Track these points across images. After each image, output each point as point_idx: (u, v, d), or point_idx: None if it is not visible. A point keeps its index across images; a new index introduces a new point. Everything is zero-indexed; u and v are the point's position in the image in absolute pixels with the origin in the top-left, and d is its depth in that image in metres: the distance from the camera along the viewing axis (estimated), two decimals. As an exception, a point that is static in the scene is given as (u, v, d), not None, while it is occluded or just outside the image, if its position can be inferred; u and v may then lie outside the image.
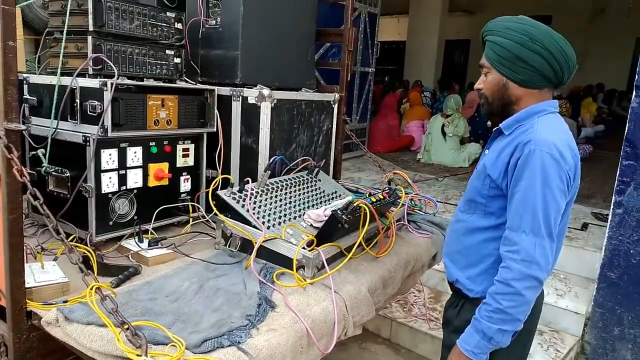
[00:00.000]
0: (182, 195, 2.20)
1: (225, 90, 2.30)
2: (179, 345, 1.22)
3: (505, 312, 1.38)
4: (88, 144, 1.79)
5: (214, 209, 1.90)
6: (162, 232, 2.06)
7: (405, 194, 2.42)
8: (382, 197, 2.01)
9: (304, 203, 2.14)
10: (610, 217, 3.04)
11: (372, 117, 7.91)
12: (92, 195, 1.82)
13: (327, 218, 1.83)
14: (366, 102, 7.38)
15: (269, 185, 2.10)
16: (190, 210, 2.21)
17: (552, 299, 3.28)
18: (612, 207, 3.02)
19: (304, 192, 2.23)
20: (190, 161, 2.21)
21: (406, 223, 2.37)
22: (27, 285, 1.43)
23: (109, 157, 1.86)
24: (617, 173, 2.97)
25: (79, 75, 1.86)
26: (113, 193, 1.90)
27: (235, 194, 1.94)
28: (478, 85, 1.58)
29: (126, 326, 1.24)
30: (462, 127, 6.81)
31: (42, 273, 1.54)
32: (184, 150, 2.17)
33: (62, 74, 1.90)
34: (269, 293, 1.56)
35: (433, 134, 6.93)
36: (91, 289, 1.35)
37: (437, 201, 2.69)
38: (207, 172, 2.30)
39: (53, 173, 1.91)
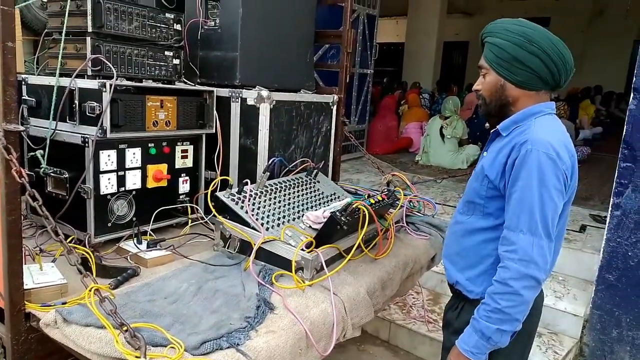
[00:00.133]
0: (181, 197, 2.20)
1: (224, 92, 2.30)
2: (177, 347, 1.22)
3: (504, 312, 1.39)
4: (87, 145, 1.78)
5: (213, 210, 1.90)
6: (161, 234, 2.06)
7: (404, 195, 2.42)
8: (380, 198, 2.01)
9: (302, 204, 2.14)
10: (608, 219, 3.05)
11: (371, 118, 7.91)
12: (91, 197, 1.81)
13: (326, 220, 1.83)
14: (365, 103, 7.39)
15: (267, 187, 2.10)
16: (189, 212, 2.21)
17: (551, 301, 3.28)
18: (610, 209, 3.03)
19: (303, 194, 2.23)
20: (189, 162, 2.20)
21: (405, 225, 2.37)
22: (25, 287, 1.43)
23: (107, 158, 1.86)
24: (615, 175, 2.98)
25: (77, 76, 1.86)
26: (112, 194, 1.90)
27: (234, 196, 1.94)
28: (476, 87, 1.59)
29: (125, 328, 1.24)
30: (460, 128, 6.82)
31: (40, 274, 1.54)
32: (182, 151, 2.16)
33: (61, 75, 1.90)
34: (268, 295, 1.56)
35: (431, 136, 6.94)
36: (90, 290, 1.34)
37: (436, 203, 2.70)
38: (206, 173, 2.30)
39: (52, 174, 1.91)
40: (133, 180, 1.97)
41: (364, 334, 3.37)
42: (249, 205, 1.91)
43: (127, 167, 1.94)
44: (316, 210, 2.06)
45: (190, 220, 2.19)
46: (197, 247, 1.99)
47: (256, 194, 2.01)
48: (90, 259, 1.64)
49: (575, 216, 4.44)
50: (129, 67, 2.02)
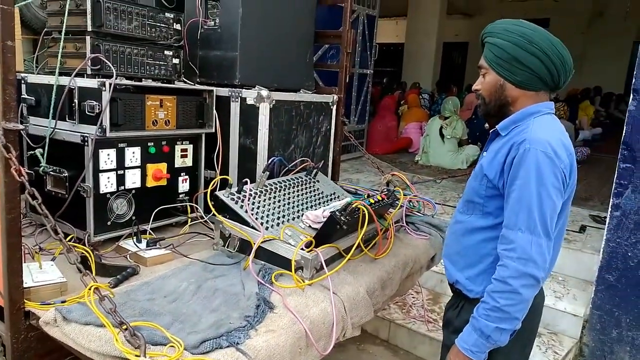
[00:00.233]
0: (181, 196, 2.20)
1: (223, 91, 2.30)
2: (177, 346, 1.22)
3: (503, 311, 1.39)
4: (86, 144, 1.78)
5: (213, 209, 1.90)
6: (161, 233, 2.06)
7: (404, 195, 2.42)
8: (380, 198, 2.01)
9: (302, 204, 2.14)
10: (608, 220, 3.05)
11: (371, 118, 7.92)
12: (90, 195, 1.81)
13: (325, 219, 1.83)
14: (364, 103, 7.39)
15: (267, 186, 2.10)
16: (189, 211, 2.21)
17: (551, 301, 3.28)
18: (609, 209, 3.03)
19: (303, 193, 2.23)
20: (188, 162, 2.20)
21: (404, 224, 2.37)
22: (25, 285, 1.43)
23: (107, 157, 1.86)
24: (615, 176, 2.98)
25: (77, 75, 1.86)
26: (111, 193, 1.90)
27: (234, 195, 1.94)
28: (476, 86, 1.59)
29: (124, 326, 1.24)
30: (460, 129, 6.82)
31: (40, 273, 1.54)
32: (182, 150, 2.16)
33: (61, 74, 1.90)
34: (268, 294, 1.56)
35: (431, 136, 6.94)
36: (89, 289, 1.34)
37: (436, 203, 2.70)
38: (206, 172, 2.30)
39: (51, 173, 1.91)
40: (132, 179, 1.97)
41: (363, 333, 3.37)
42: (248, 204, 1.91)
43: (126, 166, 1.94)
44: (316, 209, 2.06)
45: (189, 219, 2.19)
46: (196, 246, 1.99)
47: (256, 193, 2.01)
48: (89, 258, 1.64)
49: (575, 217, 4.44)
50: (129, 66, 2.02)
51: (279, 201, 2.06)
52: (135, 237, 1.88)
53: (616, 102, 12.04)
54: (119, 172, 1.91)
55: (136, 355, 1.18)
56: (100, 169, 1.84)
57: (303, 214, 2.04)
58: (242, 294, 1.57)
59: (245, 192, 1.96)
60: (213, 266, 1.76)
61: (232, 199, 1.91)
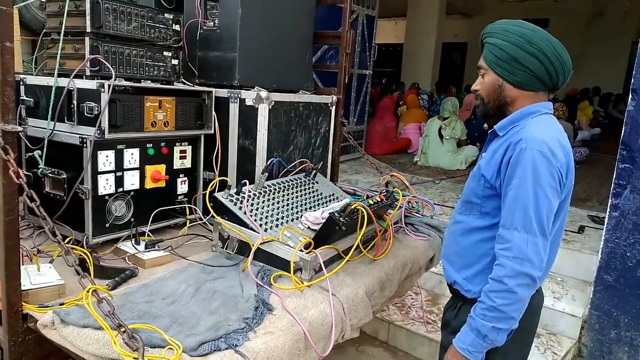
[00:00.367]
0: (179, 197, 2.20)
1: (222, 92, 2.30)
2: (176, 348, 1.22)
3: (499, 310, 1.39)
4: (85, 145, 1.78)
5: (211, 211, 1.90)
6: (159, 234, 2.05)
7: (403, 196, 2.42)
8: (379, 199, 2.01)
9: (301, 205, 2.14)
10: (606, 220, 3.05)
11: (370, 119, 7.92)
12: (89, 197, 1.81)
13: (324, 220, 1.83)
14: (363, 104, 7.39)
15: (266, 188, 2.10)
16: (188, 213, 2.20)
17: (549, 302, 3.28)
18: (608, 210, 3.03)
19: (302, 195, 2.23)
20: (187, 163, 2.20)
21: (403, 225, 2.37)
22: (23, 288, 1.42)
23: (105, 159, 1.85)
24: (614, 176, 2.98)
25: (76, 76, 1.86)
26: (110, 195, 1.90)
27: (233, 196, 1.93)
28: (475, 87, 1.60)
29: (123, 329, 1.23)
30: (459, 129, 6.83)
31: (38, 275, 1.53)
32: (181, 152, 2.16)
33: (59, 75, 1.89)
34: (266, 296, 1.56)
35: (430, 137, 6.95)
36: (88, 291, 1.34)
37: (435, 204, 2.70)
38: (205, 174, 2.30)
39: (49, 175, 1.90)
40: (131, 181, 1.97)
41: (362, 334, 3.37)
42: (247, 206, 1.91)
43: (125, 167, 1.93)
44: (315, 211, 2.06)
45: (188, 221, 2.19)
46: (195, 248, 1.99)
47: (255, 194, 2.01)
48: (88, 260, 1.64)
49: (574, 217, 4.45)
50: (128, 67, 2.02)
51: (278, 202, 2.06)
52: (133, 239, 1.88)
53: (615, 102, 12.06)
54: (117, 173, 1.91)
55: (134, 358, 1.18)
56: (99, 170, 1.84)
57: (302, 215, 2.04)
58: (241, 295, 1.56)
59: (244, 193, 1.95)
60: (212, 268, 1.76)
61: (231, 201, 1.91)
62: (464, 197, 1.63)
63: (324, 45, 5.52)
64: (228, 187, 1.97)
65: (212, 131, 2.24)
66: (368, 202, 1.89)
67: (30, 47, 3.05)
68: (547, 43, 1.43)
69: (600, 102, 12.13)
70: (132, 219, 1.98)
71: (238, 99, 2.28)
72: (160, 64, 2.16)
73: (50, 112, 1.86)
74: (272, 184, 2.16)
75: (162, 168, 2.07)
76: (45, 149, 1.87)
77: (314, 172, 2.43)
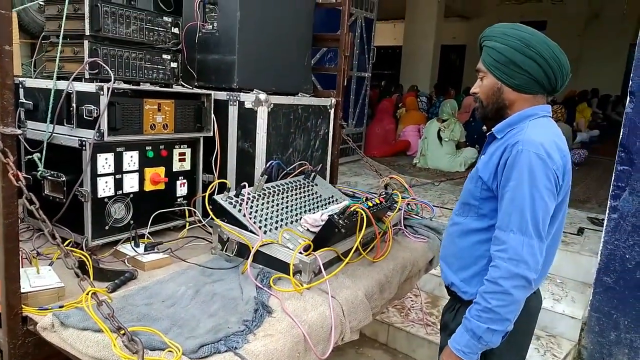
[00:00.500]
0: (179, 200, 2.20)
1: (221, 95, 2.30)
2: (175, 351, 1.22)
3: (494, 312, 1.39)
4: (84, 148, 1.78)
5: (211, 213, 1.90)
6: (159, 237, 2.05)
7: (402, 198, 2.42)
8: (378, 201, 2.01)
9: (300, 208, 2.14)
10: (605, 222, 3.05)
11: (369, 121, 7.93)
12: (88, 200, 1.81)
13: (323, 223, 1.83)
14: (362, 106, 7.40)
15: (265, 190, 2.10)
16: (187, 215, 2.20)
17: (549, 304, 3.28)
18: (607, 211, 3.04)
19: (301, 197, 2.23)
20: (186, 165, 2.20)
21: (403, 228, 2.38)
22: (22, 291, 1.42)
23: (105, 162, 1.86)
24: (612, 178, 2.99)
25: (75, 79, 1.86)
26: (109, 197, 1.90)
27: (232, 199, 1.93)
28: (474, 89, 1.60)
29: (122, 331, 1.23)
30: (458, 131, 6.84)
31: (37, 278, 1.53)
32: (180, 154, 2.16)
33: (59, 78, 1.90)
34: (266, 298, 1.56)
35: (429, 139, 6.96)
36: (87, 294, 1.34)
37: (434, 205, 2.70)
38: (204, 176, 2.30)
39: (49, 177, 1.90)
40: (130, 184, 1.97)
41: (362, 337, 3.36)
42: (246, 208, 1.91)
43: (124, 170, 1.93)
44: (314, 213, 2.06)
45: (187, 224, 2.19)
46: (194, 250, 1.99)
47: (254, 197, 2.01)
48: (87, 263, 1.64)
49: (573, 219, 4.45)
50: (127, 70, 2.02)
51: (277, 205, 2.06)
52: (133, 242, 1.88)
53: (613, 104, 12.09)
54: (116, 176, 1.91)
55: (134, 361, 1.18)
56: (98, 173, 1.84)
57: (301, 217, 2.04)
58: (241, 298, 1.56)
59: (244, 195, 1.95)
60: (211, 270, 1.76)
61: (230, 203, 1.91)
62: (462, 198, 1.64)
63: (322, 48, 5.54)
64: (227, 190, 1.97)
65: (211, 134, 2.24)
66: (367, 204, 1.89)
67: (29, 50, 3.06)
68: (545, 46, 1.44)
69: (599, 103, 12.16)
70: (132, 222, 1.98)
71: (237, 101, 2.28)
72: (159, 66, 2.16)
73: (49, 115, 1.86)
74: (271, 186, 2.16)
75: (161, 170, 2.07)
76: (44, 152, 1.87)
77: (313, 174, 2.43)
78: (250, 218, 1.86)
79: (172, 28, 2.20)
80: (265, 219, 1.92)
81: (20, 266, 1.43)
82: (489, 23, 1.59)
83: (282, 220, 1.98)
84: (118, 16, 1.95)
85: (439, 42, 11.70)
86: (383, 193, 2.31)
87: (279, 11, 2.58)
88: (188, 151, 2.20)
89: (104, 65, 1.89)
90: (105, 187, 1.87)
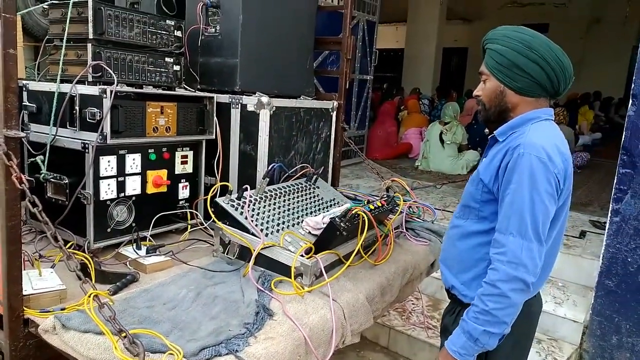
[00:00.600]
0: (181, 202, 2.20)
1: (224, 98, 2.31)
2: (176, 354, 1.22)
3: (491, 314, 1.39)
4: (87, 150, 1.79)
5: (213, 216, 1.90)
6: (160, 239, 2.06)
7: (404, 201, 2.42)
8: (380, 204, 2.02)
9: (302, 210, 2.14)
10: (607, 225, 3.05)
11: (370, 124, 7.93)
12: (91, 202, 1.82)
13: (325, 225, 1.83)
14: (364, 109, 7.40)
15: (267, 193, 2.10)
16: (189, 218, 2.21)
17: (550, 307, 3.27)
18: (609, 215, 3.03)
19: (303, 200, 2.23)
20: (188, 168, 2.21)
21: (404, 230, 2.37)
22: (24, 293, 1.42)
23: (107, 164, 1.86)
24: (615, 181, 2.98)
25: (78, 82, 1.87)
26: (111, 200, 1.90)
27: (234, 201, 1.94)
28: (477, 92, 1.60)
29: (124, 334, 1.24)
30: (460, 134, 6.84)
31: (39, 280, 1.53)
32: (182, 157, 2.17)
33: (62, 81, 1.91)
34: (267, 301, 1.56)
35: (431, 141, 6.96)
36: (89, 296, 1.34)
37: (436, 208, 2.70)
38: (206, 179, 2.30)
39: (52, 180, 1.91)
40: (133, 186, 1.97)
41: (363, 340, 3.36)
42: (248, 211, 1.91)
43: (127, 172, 1.94)
44: (316, 216, 2.06)
45: (189, 226, 2.19)
46: (196, 253, 1.99)
47: (256, 199, 2.01)
48: (89, 265, 1.64)
49: (575, 222, 4.44)
50: (130, 73, 2.03)
51: (279, 207, 2.07)
52: (135, 244, 1.88)
53: (616, 107, 12.07)
54: (119, 178, 1.91)
55: (135, 363, 1.18)
56: (101, 175, 1.85)
57: (303, 220, 2.04)
58: (242, 301, 1.57)
59: (245, 198, 1.96)
60: (213, 273, 1.76)
61: (232, 206, 1.91)
62: (463, 201, 1.64)
63: (325, 51, 5.54)
64: (229, 192, 1.97)
65: (214, 136, 2.25)
66: (369, 207, 1.89)
67: (32, 53, 3.08)
68: (547, 49, 1.44)
69: (601, 106, 12.15)
70: (134, 224, 1.99)
71: (239, 104, 2.29)
72: (162, 70, 2.17)
73: (52, 118, 1.87)
74: (273, 189, 2.16)
75: (163, 173, 2.08)
76: (47, 155, 1.88)
77: (315, 177, 2.44)
78: (252, 221, 1.87)
79: (175, 31, 2.21)
80: (267, 222, 1.93)
81: (23, 268, 1.44)
82: (491, 26, 1.60)
83: (283, 223, 1.98)
84: (121, 19, 1.96)
85: (441, 44, 11.70)
86: (385, 196, 2.31)
87: (281, 14, 2.59)
88: (190, 154, 2.20)
89: (107, 68, 1.90)
90: (108, 190, 1.88)
